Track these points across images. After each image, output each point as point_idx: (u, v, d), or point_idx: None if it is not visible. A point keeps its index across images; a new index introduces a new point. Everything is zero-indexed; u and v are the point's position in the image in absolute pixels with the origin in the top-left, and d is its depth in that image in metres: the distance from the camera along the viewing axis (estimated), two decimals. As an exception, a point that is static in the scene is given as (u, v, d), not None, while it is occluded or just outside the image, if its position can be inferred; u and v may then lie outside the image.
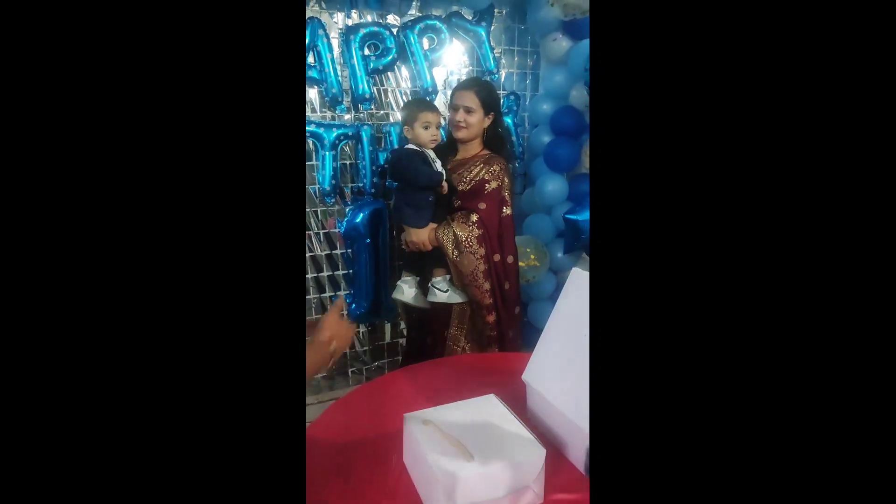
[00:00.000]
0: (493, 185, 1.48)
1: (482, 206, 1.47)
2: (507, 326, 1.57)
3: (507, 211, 1.52)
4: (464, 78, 1.98)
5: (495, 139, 1.56)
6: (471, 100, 1.46)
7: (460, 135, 1.50)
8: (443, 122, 1.50)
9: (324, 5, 1.76)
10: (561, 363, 0.87)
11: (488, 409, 0.85)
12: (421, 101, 1.56)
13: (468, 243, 1.45)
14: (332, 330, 0.82)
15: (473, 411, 0.84)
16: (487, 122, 1.51)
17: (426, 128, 1.42)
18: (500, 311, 1.54)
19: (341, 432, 0.93)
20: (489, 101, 1.49)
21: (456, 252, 1.46)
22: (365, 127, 1.83)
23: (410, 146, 1.45)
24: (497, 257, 1.51)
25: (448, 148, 1.59)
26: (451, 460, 0.71)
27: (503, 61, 2.11)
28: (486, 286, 1.49)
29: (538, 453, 0.73)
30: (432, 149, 1.47)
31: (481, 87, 1.51)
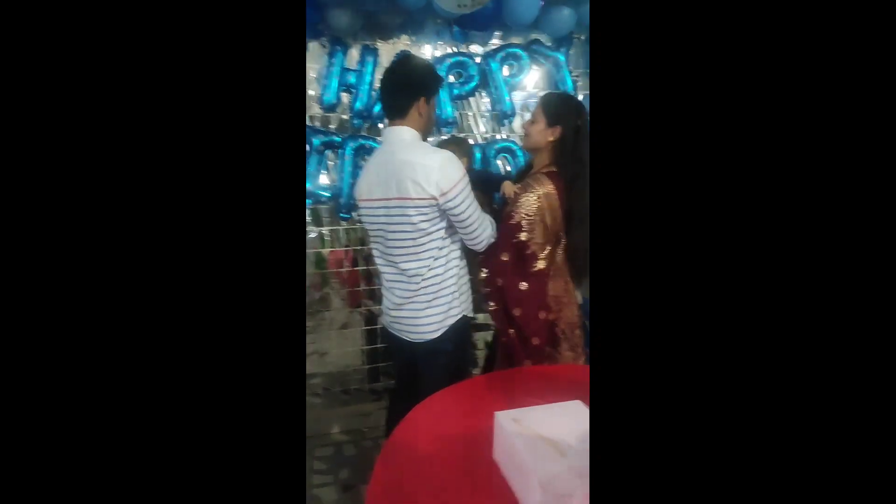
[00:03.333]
0: (508, 208, 1.43)
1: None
2: (520, 356, 1.46)
3: (520, 237, 1.39)
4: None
5: (562, 155, 1.43)
6: (536, 110, 1.46)
7: (522, 143, 1.57)
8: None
9: (414, 39, 1.93)
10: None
11: (575, 412, 0.90)
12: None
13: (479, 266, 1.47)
14: None
15: (561, 414, 0.89)
16: (551, 135, 1.42)
17: None
18: (509, 337, 1.46)
19: (429, 431, 1.00)
20: (554, 112, 1.42)
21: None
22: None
23: None
24: (499, 281, 1.42)
25: (525, 166, 1.63)
26: (545, 455, 0.76)
27: (580, 83, 2.16)
28: (491, 306, 1.47)
29: (628, 456, 0.77)
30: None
31: (549, 98, 1.48)
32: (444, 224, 1.31)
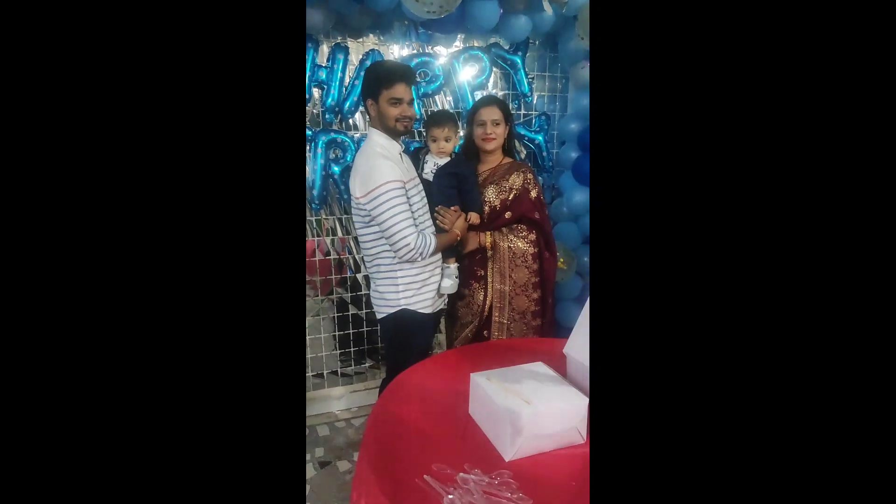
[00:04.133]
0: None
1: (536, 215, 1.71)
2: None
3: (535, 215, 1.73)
4: (500, 100, 2.22)
5: (510, 147, 1.77)
6: (497, 114, 1.65)
7: (491, 146, 1.66)
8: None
9: (382, 38, 2.03)
10: (597, 337, 1.08)
11: (538, 371, 1.06)
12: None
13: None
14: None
15: (526, 373, 1.05)
16: (505, 132, 1.70)
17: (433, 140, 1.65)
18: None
19: (411, 397, 1.12)
20: (508, 112, 1.71)
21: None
22: (414, 143, 2.07)
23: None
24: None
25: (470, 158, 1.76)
26: (514, 403, 0.92)
27: (535, 85, 2.34)
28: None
29: (582, 401, 0.93)
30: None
31: (500, 101, 1.71)
32: (375, 224, 1.44)
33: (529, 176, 1.71)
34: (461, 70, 2.09)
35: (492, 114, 1.65)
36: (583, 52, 2.13)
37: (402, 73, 1.46)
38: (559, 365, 1.14)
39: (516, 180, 1.70)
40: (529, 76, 2.26)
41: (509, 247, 1.67)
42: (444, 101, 2.17)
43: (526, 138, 2.33)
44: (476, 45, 2.15)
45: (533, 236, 1.69)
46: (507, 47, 2.19)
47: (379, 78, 1.44)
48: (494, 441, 0.94)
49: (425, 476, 0.82)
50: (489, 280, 1.69)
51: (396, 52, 2.06)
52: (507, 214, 1.69)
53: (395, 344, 1.61)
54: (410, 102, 1.47)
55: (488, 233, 1.68)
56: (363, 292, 2.22)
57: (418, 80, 2.05)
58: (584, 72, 2.18)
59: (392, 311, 1.54)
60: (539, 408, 0.90)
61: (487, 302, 1.70)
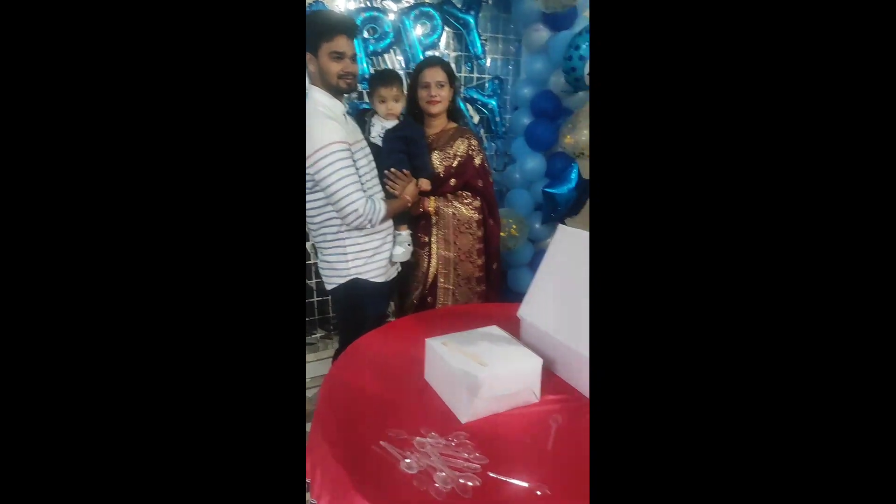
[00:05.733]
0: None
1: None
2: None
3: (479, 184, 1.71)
4: (452, 60, 2.15)
5: (455, 111, 1.72)
6: (441, 75, 1.59)
7: (436, 109, 1.60)
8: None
9: (327, -11, 1.89)
10: (552, 300, 1.09)
11: (493, 334, 1.06)
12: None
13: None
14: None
15: (482, 336, 1.05)
16: (450, 94, 1.64)
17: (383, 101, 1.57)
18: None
19: (364, 365, 1.10)
20: (452, 75, 1.64)
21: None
22: (364, 104, 1.98)
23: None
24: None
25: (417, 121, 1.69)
26: (470, 366, 0.91)
27: (488, 47, 2.28)
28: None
29: (536, 362, 0.95)
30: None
31: (445, 63, 1.64)
32: (319, 190, 1.36)
33: (473, 143, 1.67)
34: (412, 28, 2.00)
35: (436, 75, 1.58)
36: (536, 14, 2.09)
37: (344, 25, 1.35)
38: (513, 329, 1.15)
39: (460, 146, 1.66)
40: (483, 37, 2.20)
41: (454, 213, 1.65)
42: (394, 61, 2.07)
43: (479, 102, 2.28)
44: (427, 1, 2.05)
45: (477, 203, 1.67)
46: (459, 5, 2.11)
47: (318, 30, 1.32)
48: (450, 404, 0.94)
49: (381, 442, 0.81)
50: (433, 246, 1.68)
51: (343, 4, 1.93)
52: (452, 181, 1.66)
53: (348, 315, 1.57)
54: (353, 57, 1.37)
55: (432, 198, 1.64)
56: (311, 262, 2.15)
57: (367, 36, 1.94)
58: (537, 35, 2.15)
59: (342, 281, 1.49)
60: (494, 369, 0.91)
61: (431, 269, 1.69)
